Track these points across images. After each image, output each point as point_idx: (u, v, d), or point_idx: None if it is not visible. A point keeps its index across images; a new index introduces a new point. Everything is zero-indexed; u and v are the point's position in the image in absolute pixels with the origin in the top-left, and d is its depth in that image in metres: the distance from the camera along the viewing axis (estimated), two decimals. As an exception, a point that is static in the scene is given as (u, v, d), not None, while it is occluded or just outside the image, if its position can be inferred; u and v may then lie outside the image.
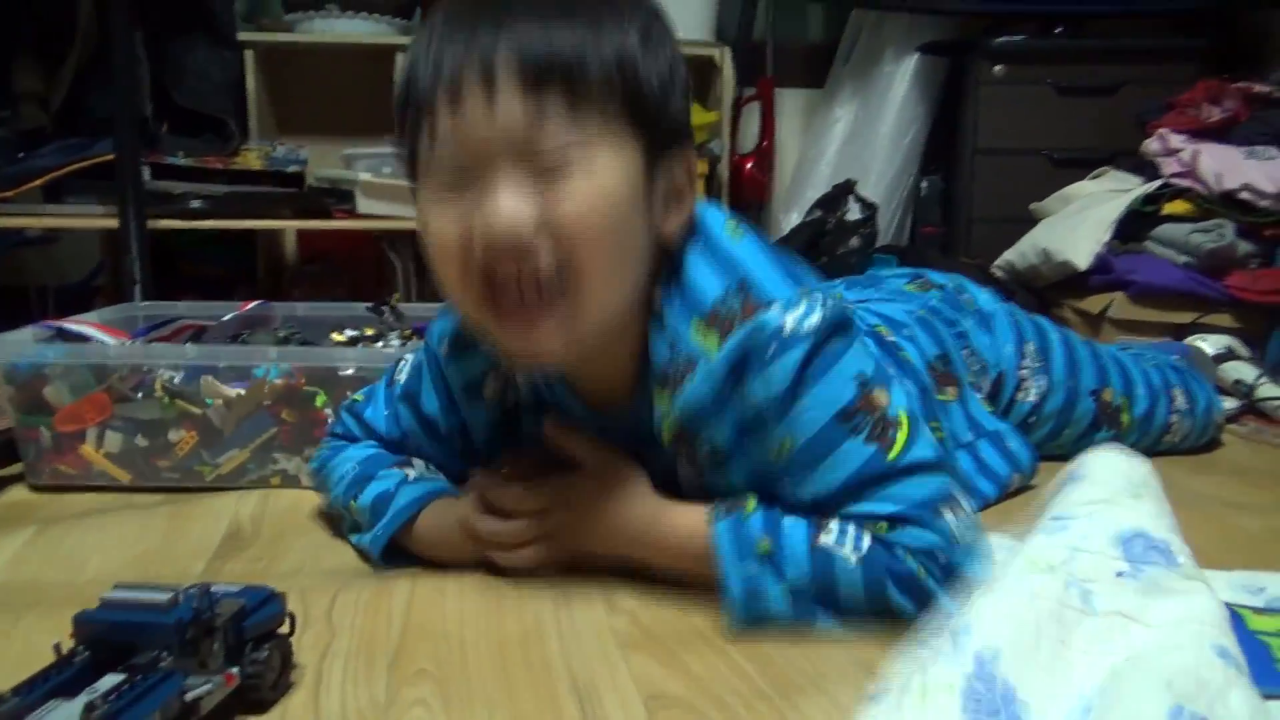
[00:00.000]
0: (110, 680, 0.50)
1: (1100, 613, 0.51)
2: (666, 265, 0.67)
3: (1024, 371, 1.01)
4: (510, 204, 0.58)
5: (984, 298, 1.04)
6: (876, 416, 0.64)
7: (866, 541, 0.63)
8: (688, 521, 0.68)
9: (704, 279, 0.65)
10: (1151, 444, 1.09)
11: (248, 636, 0.55)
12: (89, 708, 0.46)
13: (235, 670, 0.53)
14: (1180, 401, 1.10)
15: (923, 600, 0.61)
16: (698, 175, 0.67)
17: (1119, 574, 0.53)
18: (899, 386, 0.68)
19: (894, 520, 0.63)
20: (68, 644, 0.53)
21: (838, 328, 0.65)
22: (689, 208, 0.67)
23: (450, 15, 0.62)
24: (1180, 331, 1.53)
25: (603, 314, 0.64)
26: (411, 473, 0.79)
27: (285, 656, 0.57)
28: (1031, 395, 1.01)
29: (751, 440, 0.67)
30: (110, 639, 0.52)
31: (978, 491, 0.90)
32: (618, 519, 0.70)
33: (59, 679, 0.50)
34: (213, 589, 0.55)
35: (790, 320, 0.63)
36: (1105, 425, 1.05)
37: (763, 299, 0.64)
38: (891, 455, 0.64)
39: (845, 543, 0.63)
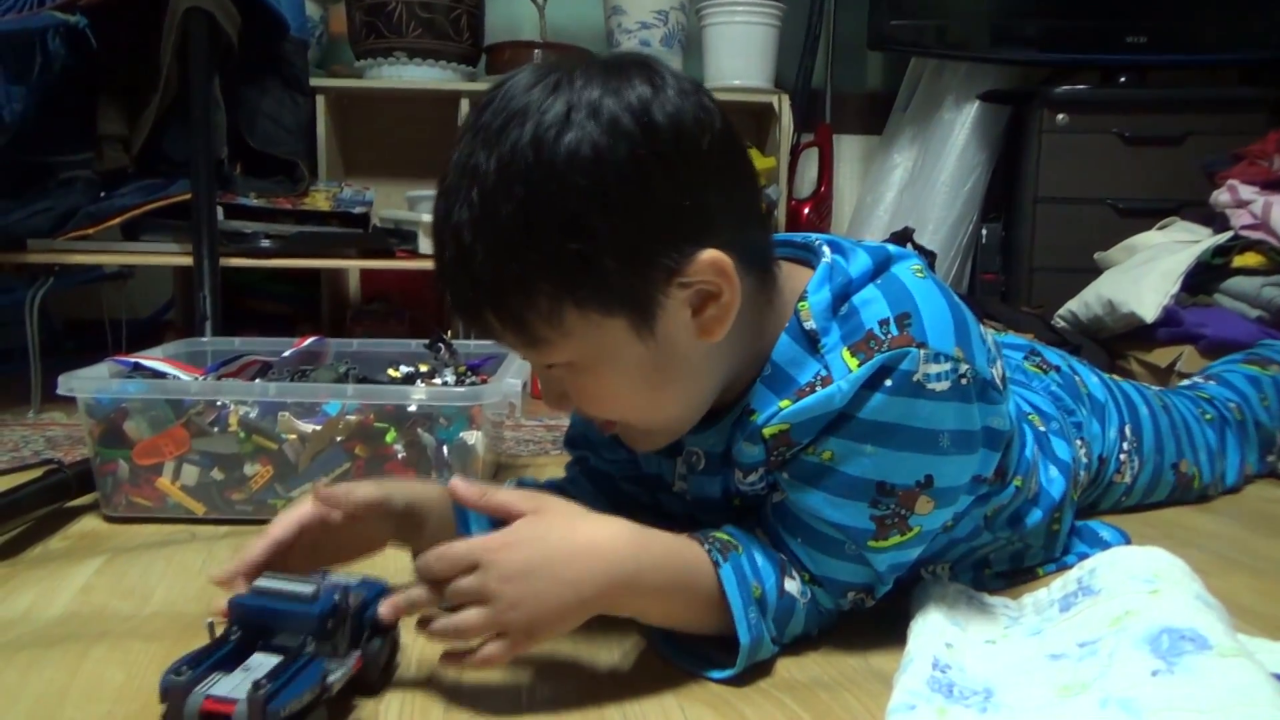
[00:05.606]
0: (259, 659, 0.56)
1: (1147, 716, 0.49)
2: (841, 299, 0.65)
3: (1123, 455, 1.00)
4: (547, 395, 0.66)
5: (1094, 383, 1.01)
6: (901, 512, 0.64)
7: (807, 589, 0.67)
8: (678, 545, 0.63)
9: (873, 305, 0.64)
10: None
11: (365, 626, 0.60)
12: (256, 685, 0.51)
13: (359, 654, 0.59)
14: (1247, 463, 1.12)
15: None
16: (725, 272, 0.60)
17: (1154, 673, 0.52)
18: (942, 513, 0.66)
19: (815, 581, 0.67)
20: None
21: (966, 438, 0.65)
22: (728, 310, 0.61)
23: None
24: (1252, 387, 1.48)
25: (680, 418, 0.67)
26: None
27: (394, 645, 0.63)
28: (1127, 477, 1.01)
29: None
30: (258, 622, 0.58)
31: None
32: (595, 547, 0.59)
33: (219, 654, 0.55)
34: (343, 583, 0.60)
35: (924, 370, 0.61)
36: (1180, 493, 1.07)
37: (917, 337, 0.62)
38: (873, 544, 0.65)
39: (798, 588, 0.66)
